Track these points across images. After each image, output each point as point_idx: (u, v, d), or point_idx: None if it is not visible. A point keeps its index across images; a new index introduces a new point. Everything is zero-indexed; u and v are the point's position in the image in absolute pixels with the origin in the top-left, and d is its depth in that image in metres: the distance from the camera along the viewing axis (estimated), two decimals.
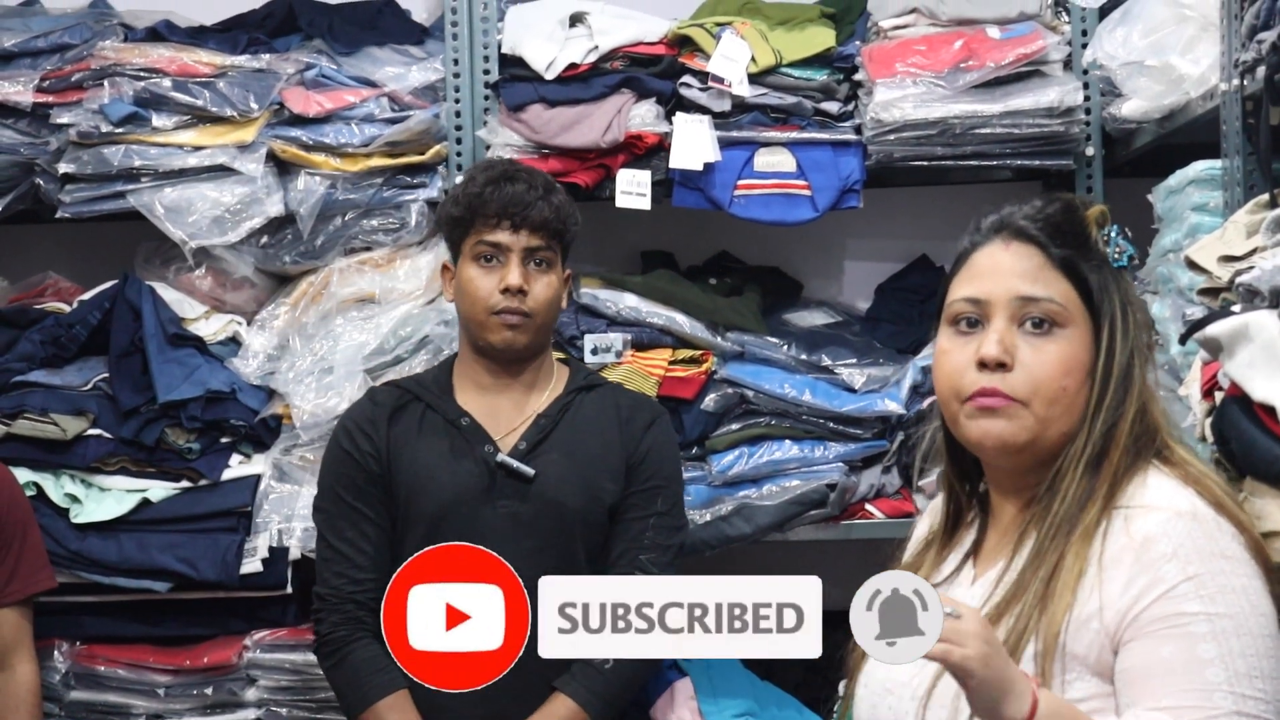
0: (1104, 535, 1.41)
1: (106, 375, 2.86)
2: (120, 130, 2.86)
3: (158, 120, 2.89)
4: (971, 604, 1.47)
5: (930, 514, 1.68)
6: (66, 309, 2.95)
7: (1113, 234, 1.52)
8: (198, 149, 2.88)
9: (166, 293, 2.94)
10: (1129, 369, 1.48)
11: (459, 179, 2.78)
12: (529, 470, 2.41)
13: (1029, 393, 1.46)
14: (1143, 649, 1.37)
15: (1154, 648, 1.36)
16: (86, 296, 2.95)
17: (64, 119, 2.89)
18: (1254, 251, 1.97)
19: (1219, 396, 1.88)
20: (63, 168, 2.88)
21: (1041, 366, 1.46)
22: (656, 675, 2.87)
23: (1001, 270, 1.49)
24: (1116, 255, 1.52)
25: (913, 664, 1.47)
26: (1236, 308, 1.87)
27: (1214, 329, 1.83)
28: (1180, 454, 1.50)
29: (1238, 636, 1.35)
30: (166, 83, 2.90)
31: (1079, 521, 1.43)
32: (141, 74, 2.92)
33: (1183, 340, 2.02)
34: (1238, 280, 1.88)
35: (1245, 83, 2.21)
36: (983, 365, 1.46)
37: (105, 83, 2.90)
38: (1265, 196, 2.12)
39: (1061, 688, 1.38)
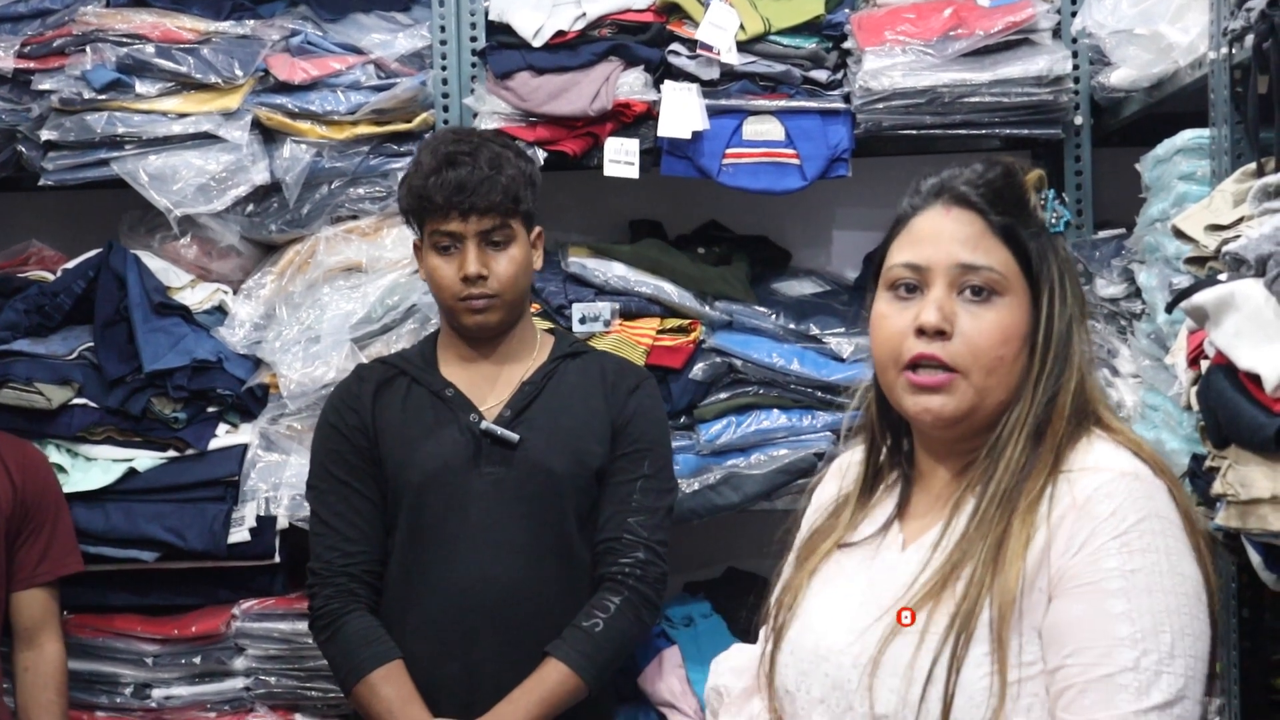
0: (1050, 499, 1.41)
1: (91, 344, 2.85)
2: (103, 97, 2.84)
3: (141, 87, 2.87)
4: (907, 569, 1.47)
5: (837, 475, 1.66)
6: (50, 278, 2.93)
7: (1049, 198, 1.50)
8: (182, 116, 2.86)
9: (152, 261, 2.93)
10: (1068, 337, 1.47)
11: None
12: (513, 436, 2.41)
13: (968, 361, 1.45)
14: (1062, 606, 1.38)
15: (1070, 604, 1.37)
16: (70, 265, 2.93)
17: (46, 85, 2.87)
18: (1241, 220, 1.97)
19: (1205, 365, 1.88)
20: (45, 135, 2.86)
21: (980, 335, 1.45)
22: (645, 643, 2.88)
23: (942, 237, 1.48)
24: (1054, 220, 1.50)
25: (850, 629, 1.47)
26: (1223, 276, 1.87)
27: (1200, 298, 1.83)
28: (1115, 422, 1.49)
29: (1149, 593, 1.36)
30: (150, 49, 2.88)
31: (1023, 491, 1.42)
32: (124, 40, 2.89)
33: (1169, 309, 2.02)
34: (1224, 249, 1.89)
35: (1234, 51, 2.20)
36: (921, 332, 1.46)
37: (88, 49, 2.87)
38: (1252, 165, 2.12)
39: (1019, 652, 1.38)
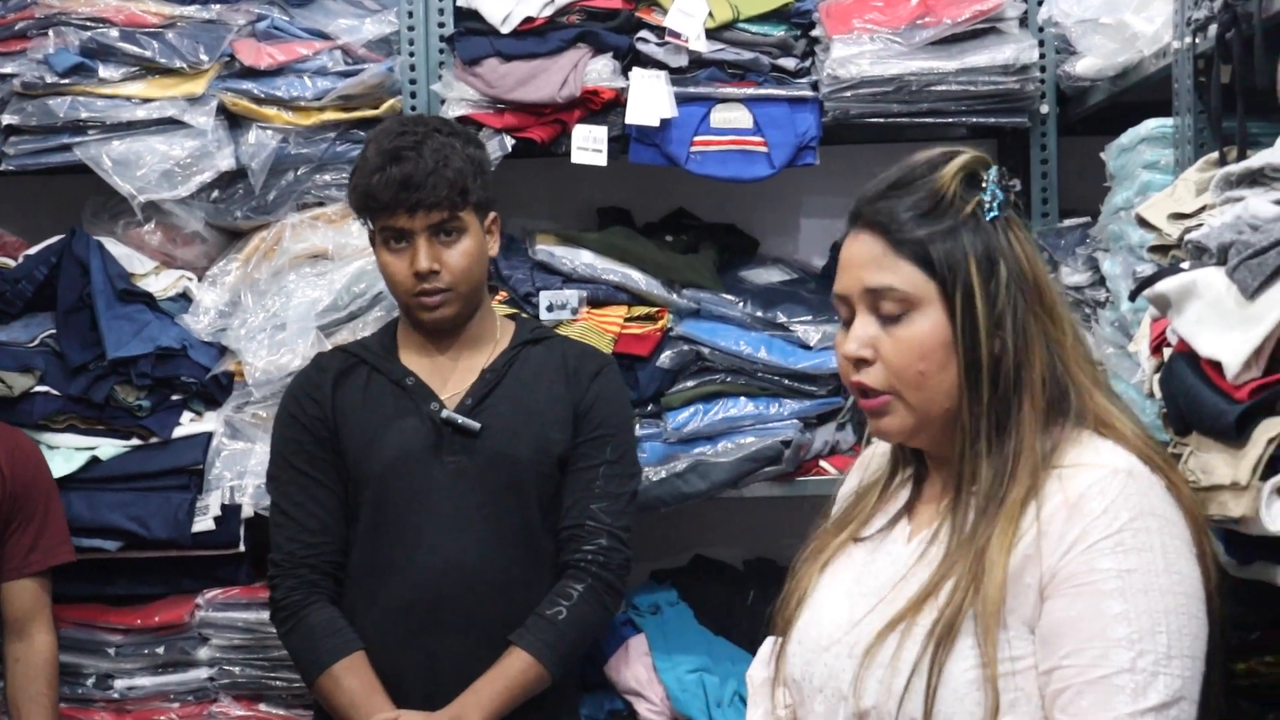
0: (1039, 495, 1.41)
1: (54, 331, 2.82)
2: (66, 81, 2.82)
3: (104, 71, 2.84)
4: (904, 562, 1.48)
5: (860, 467, 1.67)
6: (12, 264, 2.90)
7: (990, 180, 1.46)
8: (146, 101, 2.84)
9: (115, 248, 2.90)
10: (999, 333, 1.44)
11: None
12: (474, 424, 2.40)
13: (892, 383, 1.46)
14: (1057, 606, 1.37)
15: (1067, 605, 1.37)
16: (32, 251, 2.90)
17: (7, 69, 2.84)
18: (1203, 209, 1.98)
19: (1167, 353, 1.89)
20: (6, 119, 2.83)
21: (896, 356, 1.46)
22: (611, 632, 2.88)
23: (852, 263, 1.49)
24: (989, 204, 1.45)
25: (849, 620, 1.47)
26: (1185, 265, 1.88)
27: (1163, 286, 1.84)
28: (1113, 409, 1.48)
29: (1145, 593, 1.35)
30: (113, 33, 2.85)
31: (1008, 495, 1.42)
32: (88, 24, 2.87)
33: (1132, 297, 2.03)
34: (1187, 238, 1.90)
35: (1197, 41, 2.21)
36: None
37: (50, 32, 2.85)
38: (1215, 154, 2.13)
39: (1006, 646, 1.38)
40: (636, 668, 2.84)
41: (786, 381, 2.92)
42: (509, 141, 2.86)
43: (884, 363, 1.46)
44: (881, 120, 2.88)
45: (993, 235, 1.46)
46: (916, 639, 1.40)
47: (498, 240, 2.50)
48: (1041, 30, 2.93)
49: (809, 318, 2.96)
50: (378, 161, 2.37)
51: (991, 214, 1.46)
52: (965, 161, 1.48)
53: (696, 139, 2.91)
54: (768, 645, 1.69)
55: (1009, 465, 1.43)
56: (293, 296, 2.87)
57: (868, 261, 1.47)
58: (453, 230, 2.39)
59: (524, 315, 2.84)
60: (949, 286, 1.44)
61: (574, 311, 2.92)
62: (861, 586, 1.50)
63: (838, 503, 1.66)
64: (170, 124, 2.84)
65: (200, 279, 2.95)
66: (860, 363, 1.47)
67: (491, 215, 2.47)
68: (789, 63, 2.92)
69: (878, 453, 1.63)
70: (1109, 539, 1.36)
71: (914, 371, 1.45)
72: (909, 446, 1.57)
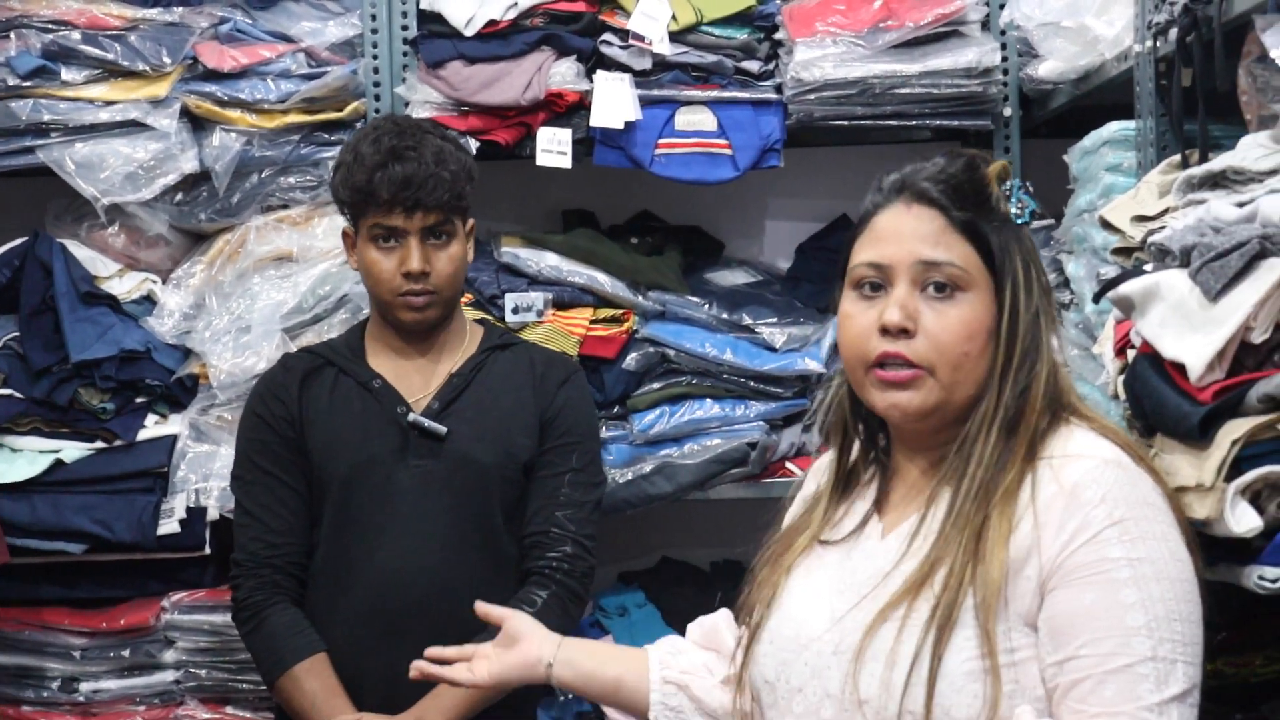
0: (1033, 485, 1.42)
1: (17, 334, 2.81)
2: (28, 84, 2.80)
3: (67, 74, 2.82)
4: (885, 557, 1.48)
5: (817, 472, 1.67)
6: None
7: (1014, 189, 1.51)
8: (109, 104, 2.82)
9: (79, 250, 2.89)
10: (1034, 329, 1.48)
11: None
12: (441, 428, 2.40)
13: (933, 358, 1.45)
14: (1067, 596, 1.37)
15: (1077, 595, 1.37)
16: None
17: None
18: (1166, 211, 2.00)
19: (1131, 354, 1.91)
20: None
21: (944, 331, 1.45)
22: (578, 634, 2.88)
23: (903, 234, 1.48)
24: (1018, 211, 1.50)
25: (830, 618, 1.48)
26: (1149, 267, 1.91)
27: (1127, 288, 1.86)
28: (1088, 411, 1.51)
29: (1157, 581, 1.36)
30: (75, 35, 2.84)
31: (999, 482, 1.43)
32: (49, 26, 2.85)
33: (1096, 299, 2.06)
34: (1150, 240, 1.92)
35: (1158, 44, 2.24)
36: (886, 331, 1.46)
37: (12, 35, 2.83)
38: (1177, 157, 2.16)
39: (1005, 637, 1.39)
40: None
41: (752, 383, 2.93)
42: (473, 144, 2.85)
43: (927, 337, 1.45)
44: (845, 123, 2.90)
45: (1025, 238, 1.51)
46: (914, 629, 1.39)
47: (472, 246, 2.50)
48: (1003, 33, 2.95)
49: (774, 320, 2.97)
50: (378, 159, 2.35)
51: (1022, 220, 1.51)
52: (999, 167, 1.52)
53: (661, 141, 2.92)
54: (694, 627, 1.73)
55: (1006, 457, 1.44)
56: (257, 299, 2.86)
57: (925, 234, 1.47)
58: (444, 234, 2.39)
59: (492, 319, 2.84)
60: (1002, 275, 1.47)
61: (539, 314, 2.93)
62: (839, 584, 1.50)
63: (795, 504, 1.66)
64: (133, 126, 2.83)
65: (164, 281, 2.94)
66: (901, 332, 1.46)
67: (470, 222, 2.48)
68: (753, 65, 2.93)
69: (830, 458, 1.63)
70: (1113, 528, 1.37)
71: (959, 351, 1.45)
72: (866, 445, 1.58)
